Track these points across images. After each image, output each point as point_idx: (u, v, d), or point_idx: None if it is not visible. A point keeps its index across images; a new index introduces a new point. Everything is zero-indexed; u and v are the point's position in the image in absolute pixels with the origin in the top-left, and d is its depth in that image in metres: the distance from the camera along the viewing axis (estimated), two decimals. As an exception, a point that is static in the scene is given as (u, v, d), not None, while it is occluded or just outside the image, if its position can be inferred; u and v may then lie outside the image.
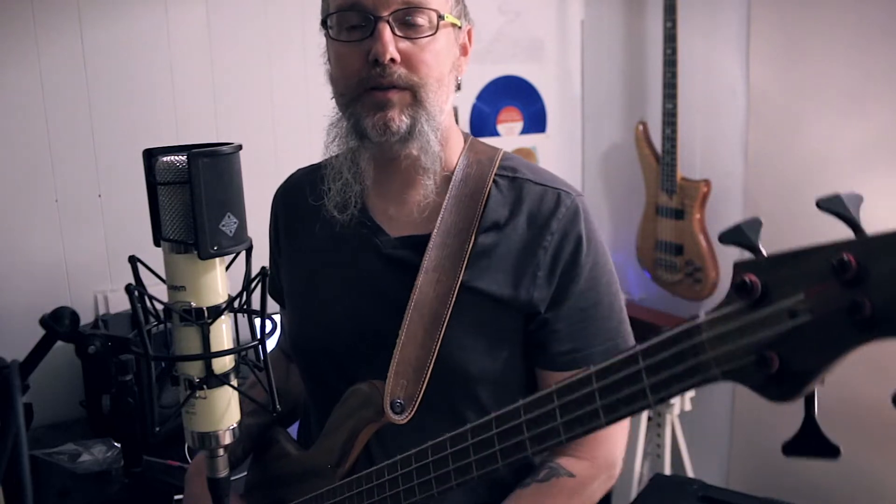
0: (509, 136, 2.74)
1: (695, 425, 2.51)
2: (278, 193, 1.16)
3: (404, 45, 0.91)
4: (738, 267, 0.51)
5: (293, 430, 1.19)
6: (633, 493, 2.35)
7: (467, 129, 2.63)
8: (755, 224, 0.52)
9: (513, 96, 2.73)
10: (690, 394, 2.35)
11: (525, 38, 2.71)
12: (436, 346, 0.92)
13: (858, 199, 0.48)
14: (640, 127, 2.53)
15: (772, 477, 2.35)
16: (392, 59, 0.89)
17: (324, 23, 0.95)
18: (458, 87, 1.02)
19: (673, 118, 2.33)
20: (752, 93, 2.27)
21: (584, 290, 0.97)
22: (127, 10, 2.02)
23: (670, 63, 2.30)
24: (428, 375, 0.91)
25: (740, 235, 0.52)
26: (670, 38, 2.29)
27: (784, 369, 0.49)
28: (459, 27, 0.98)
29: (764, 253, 0.51)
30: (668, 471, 2.39)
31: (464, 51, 1.01)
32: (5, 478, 0.68)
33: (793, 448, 0.52)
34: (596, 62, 2.83)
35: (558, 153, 2.87)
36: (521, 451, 0.68)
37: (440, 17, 0.92)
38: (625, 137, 2.70)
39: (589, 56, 2.84)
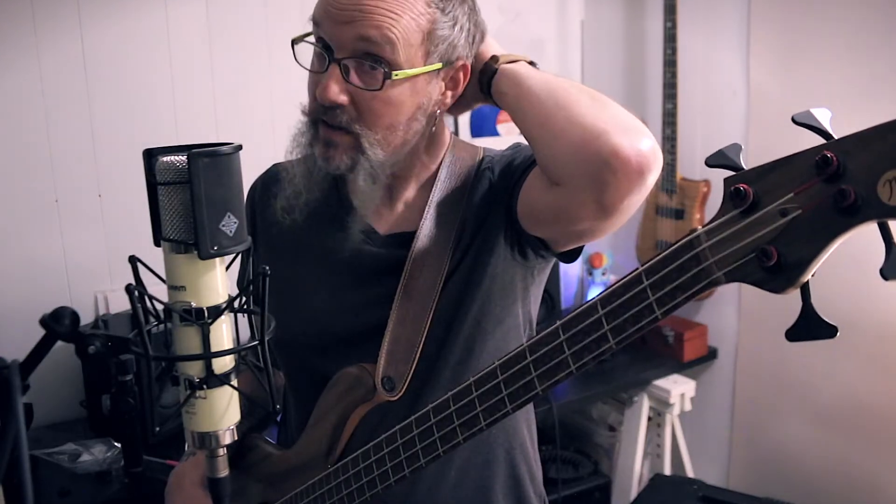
0: (509, 137, 2.74)
1: (695, 425, 2.51)
2: (257, 187, 1.15)
3: (355, 90, 0.88)
4: (729, 180, 0.58)
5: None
6: (633, 493, 2.35)
7: (467, 130, 2.64)
8: (736, 148, 0.60)
9: (513, 96, 2.72)
10: (691, 394, 2.35)
11: (525, 38, 2.71)
12: (424, 328, 0.94)
13: (827, 114, 0.55)
14: (640, 127, 2.53)
15: (772, 477, 2.35)
16: (338, 103, 0.88)
17: (294, 42, 0.94)
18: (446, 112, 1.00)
19: (673, 118, 2.34)
20: (752, 93, 2.27)
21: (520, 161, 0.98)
22: (127, 10, 2.02)
23: (670, 63, 2.30)
24: (418, 355, 0.93)
25: (723, 158, 0.59)
26: (670, 38, 2.29)
27: (781, 262, 0.54)
28: (438, 69, 0.91)
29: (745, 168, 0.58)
30: (668, 471, 2.39)
31: (452, 85, 0.95)
32: (5, 478, 0.68)
33: (795, 333, 0.56)
34: (596, 62, 2.82)
35: (558, 153, 2.87)
36: (530, 391, 0.72)
37: (387, 75, 0.86)
38: (625, 137, 2.70)
39: (589, 56, 2.84)
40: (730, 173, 0.59)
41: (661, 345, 2.42)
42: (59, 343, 0.90)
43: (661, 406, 2.38)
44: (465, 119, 2.63)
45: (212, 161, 0.66)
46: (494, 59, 0.93)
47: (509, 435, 1.05)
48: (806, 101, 2.09)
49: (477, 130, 2.67)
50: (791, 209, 0.53)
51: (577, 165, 0.79)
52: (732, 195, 0.57)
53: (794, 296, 0.56)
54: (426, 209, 0.99)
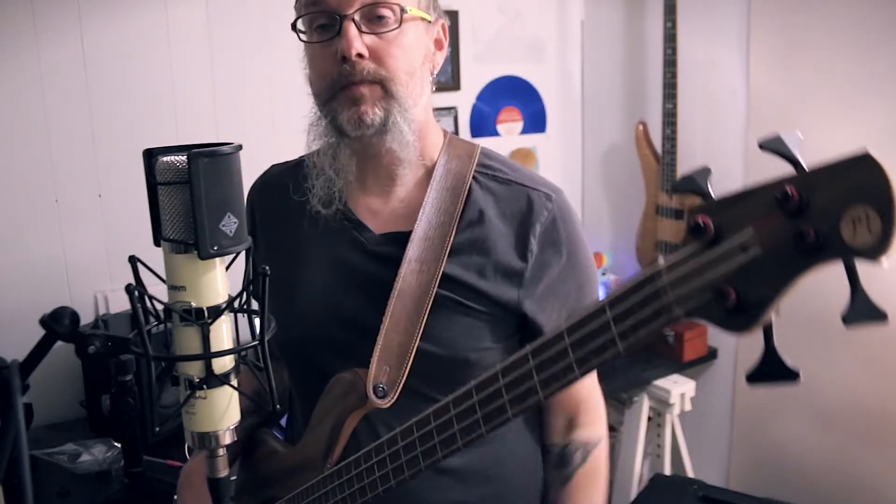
0: (509, 136, 2.74)
1: (695, 425, 2.51)
2: (255, 188, 1.16)
3: (371, 40, 0.93)
4: (692, 211, 0.55)
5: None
6: (633, 493, 2.35)
7: (467, 130, 2.64)
8: (705, 172, 0.56)
9: (513, 96, 2.73)
10: (691, 394, 2.35)
11: (525, 38, 2.71)
12: (418, 332, 0.94)
13: (797, 139, 0.51)
14: (640, 127, 2.53)
15: (772, 477, 2.35)
16: (360, 55, 0.92)
17: (293, 26, 0.98)
18: (435, 84, 1.04)
19: (673, 118, 2.33)
20: (752, 93, 2.27)
21: (571, 289, 1.02)
22: (127, 10, 2.02)
23: (670, 63, 2.30)
24: (410, 361, 0.93)
25: (692, 183, 0.56)
26: (670, 38, 2.29)
27: (741, 301, 0.51)
28: (430, 21, 0.99)
29: (713, 196, 0.55)
30: (668, 471, 2.39)
31: (438, 45, 1.03)
32: (5, 478, 0.68)
33: (756, 376, 0.54)
34: (596, 62, 2.83)
35: (558, 153, 2.87)
36: (502, 415, 0.71)
37: (403, 10, 0.94)
38: (625, 137, 2.70)
39: (589, 56, 2.84)
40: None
41: (661, 345, 2.42)
42: (59, 343, 0.90)
43: (661, 406, 2.38)
44: (464, 119, 2.63)
45: (212, 161, 0.66)
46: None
47: None
48: (806, 100, 2.09)
49: (477, 130, 2.67)
50: (751, 245, 0.50)
51: None
52: (693, 229, 0.54)
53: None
54: (422, 208, 0.99)
